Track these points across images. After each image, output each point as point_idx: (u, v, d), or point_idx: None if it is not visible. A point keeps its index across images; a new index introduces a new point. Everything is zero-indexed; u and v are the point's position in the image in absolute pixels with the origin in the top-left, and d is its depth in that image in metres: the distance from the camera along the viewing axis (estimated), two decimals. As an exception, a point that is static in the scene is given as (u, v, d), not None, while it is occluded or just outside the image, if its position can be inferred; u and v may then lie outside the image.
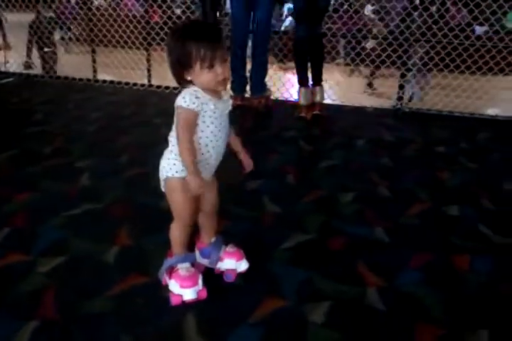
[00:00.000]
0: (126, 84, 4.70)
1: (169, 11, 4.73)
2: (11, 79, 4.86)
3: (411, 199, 2.50)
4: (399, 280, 1.82)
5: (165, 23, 4.60)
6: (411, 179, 2.76)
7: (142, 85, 4.66)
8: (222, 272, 1.76)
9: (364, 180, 2.72)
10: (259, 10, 3.77)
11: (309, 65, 3.80)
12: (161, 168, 1.60)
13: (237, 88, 4.00)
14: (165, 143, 1.60)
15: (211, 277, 1.73)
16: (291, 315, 1.62)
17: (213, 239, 1.78)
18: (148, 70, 4.65)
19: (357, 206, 2.42)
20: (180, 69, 1.48)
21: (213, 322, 1.58)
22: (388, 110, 4.21)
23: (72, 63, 5.16)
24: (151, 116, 3.68)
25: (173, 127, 1.53)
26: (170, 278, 1.64)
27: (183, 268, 1.64)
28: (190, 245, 1.75)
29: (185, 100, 1.46)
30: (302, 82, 3.82)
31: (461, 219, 2.33)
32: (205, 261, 1.78)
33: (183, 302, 1.61)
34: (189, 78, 1.49)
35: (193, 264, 1.69)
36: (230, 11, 4.04)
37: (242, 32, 3.83)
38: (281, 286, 1.76)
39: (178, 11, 5.72)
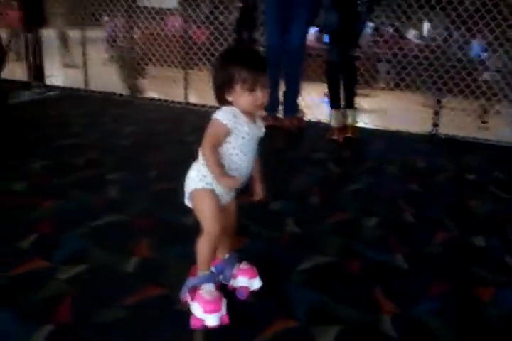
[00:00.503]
0: (165, 101, 4.82)
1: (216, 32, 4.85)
2: (55, 92, 5.06)
3: (436, 227, 2.45)
4: (414, 308, 1.78)
5: (211, 44, 4.73)
6: (438, 206, 2.71)
7: (180, 103, 4.77)
8: (235, 289, 1.76)
9: (390, 206, 2.69)
10: (294, 30, 3.83)
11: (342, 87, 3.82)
12: (188, 179, 1.63)
13: (270, 108, 4.03)
14: (194, 160, 1.65)
15: (224, 293, 1.68)
16: (300, 336, 1.61)
17: (227, 255, 1.78)
18: (186, 88, 4.76)
19: (379, 231, 2.39)
20: (223, 89, 1.55)
21: (223, 337, 1.58)
22: (423, 135, 4.16)
23: (113, 79, 5.33)
24: (185, 134, 3.76)
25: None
26: (192, 299, 1.60)
27: (207, 290, 1.59)
28: None
29: (220, 114, 1.54)
30: (334, 104, 3.83)
31: (487, 250, 2.27)
32: (218, 277, 1.77)
33: (205, 326, 1.57)
34: (230, 99, 1.55)
35: (217, 286, 1.65)
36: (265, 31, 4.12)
37: (276, 52, 3.88)
38: (293, 307, 1.75)
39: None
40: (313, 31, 8.09)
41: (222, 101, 1.57)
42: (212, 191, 1.59)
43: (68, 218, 2.33)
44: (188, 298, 1.62)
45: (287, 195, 2.72)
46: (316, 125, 4.31)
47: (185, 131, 3.83)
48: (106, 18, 5.46)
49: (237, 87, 1.53)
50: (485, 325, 1.72)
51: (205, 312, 1.55)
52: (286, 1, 3.82)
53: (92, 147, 3.39)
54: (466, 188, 3.03)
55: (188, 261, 1.73)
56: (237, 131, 1.54)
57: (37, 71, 5.20)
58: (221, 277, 1.76)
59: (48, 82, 5.26)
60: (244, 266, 1.77)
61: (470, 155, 3.67)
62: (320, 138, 3.91)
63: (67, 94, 5.05)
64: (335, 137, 3.83)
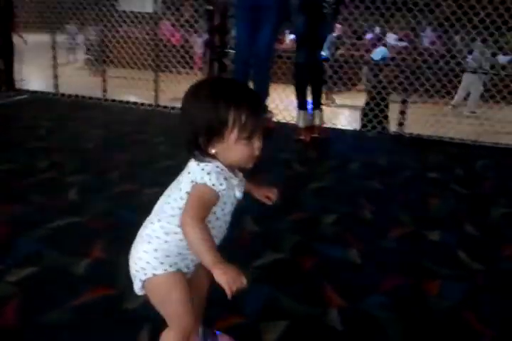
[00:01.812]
0: (134, 103, 4.81)
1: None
2: (24, 96, 5.03)
3: (393, 223, 2.49)
4: (362, 302, 1.81)
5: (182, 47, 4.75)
6: (397, 203, 2.75)
7: (150, 105, 4.77)
8: None
9: (350, 203, 2.72)
10: (263, 33, 3.86)
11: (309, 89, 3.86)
12: (139, 263, 1.23)
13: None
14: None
15: None
16: (248, 332, 1.62)
17: (201, 330, 1.44)
18: (155, 90, 4.77)
19: (337, 228, 2.42)
20: (206, 138, 1.14)
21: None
22: (389, 136, 4.22)
23: (84, 82, 5.32)
24: (151, 135, 3.76)
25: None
26: None
27: None
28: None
29: (212, 178, 1.14)
30: (301, 105, 3.87)
31: (441, 244, 2.31)
32: None
33: None
34: (213, 151, 1.16)
35: None
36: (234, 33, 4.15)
37: (245, 54, 3.91)
38: (244, 303, 1.76)
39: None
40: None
41: (201, 153, 1.16)
42: (178, 275, 1.22)
43: (26, 221, 2.32)
44: None
45: (248, 194, 2.73)
46: (285, 126, 4.34)
47: (152, 133, 3.84)
48: (68, 26, 5.46)
49: (231, 136, 1.13)
50: (431, 317, 1.75)
51: None
52: (256, 4, 3.84)
53: (57, 150, 3.38)
54: (427, 185, 3.08)
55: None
56: (225, 198, 1.19)
57: (7, 75, 5.16)
58: None
59: (18, 86, 5.22)
60: (224, 338, 1.50)
61: (433, 154, 3.73)
62: (287, 139, 3.94)
63: (37, 98, 5.02)
64: (302, 137, 3.86)
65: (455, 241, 2.33)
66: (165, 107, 4.72)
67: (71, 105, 4.84)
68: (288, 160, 3.42)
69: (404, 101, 4.18)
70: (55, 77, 5.10)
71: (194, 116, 1.15)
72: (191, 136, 1.15)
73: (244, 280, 1.06)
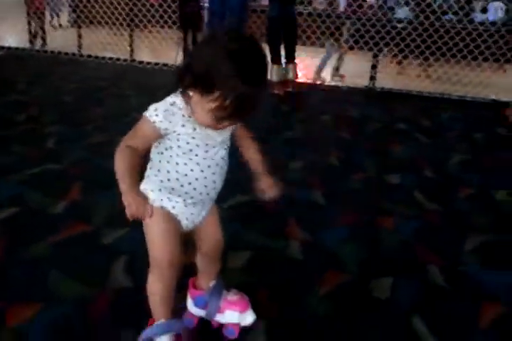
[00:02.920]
0: (110, 59, 4.83)
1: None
2: (0, 52, 5.00)
3: (356, 168, 2.64)
4: (322, 235, 1.97)
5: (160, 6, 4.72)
6: (362, 151, 2.90)
7: (125, 60, 4.79)
8: (222, 325, 1.42)
9: (317, 151, 2.86)
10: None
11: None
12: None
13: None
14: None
15: (207, 333, 1.43)
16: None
17: (212, 284, 1.42)
18: (131, 45, 4.78)
19: (303, 173, 2.57)
20: (192, 82, 1.06)
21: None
22: (361, 89, 4.33)
23: (61, 39, 5.29)
24: (125, 89, 3.83)
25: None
26: None
27: None
28: (181, 290, 1.41)
29: (150, 109, 1.13)
30: (275, 59, 3.94)
31: (400, 186, 2.47)
32: (199, 312, 1.43)
33: None
34: (191, 94, 1.08)
35: (179, 335, 1.29)
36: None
37: (218, 12, 3.93)
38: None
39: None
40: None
41: (183, 87, 1.10)
42: (162, 211, 1.22)
43: (6, 168, 2.43)
44: None
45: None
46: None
47: (126, 87, 3.90)
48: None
49: (207, 101, 1.04)
50: (383, 249, 1.92)
51: None
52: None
53: (34, 103, 3.44)
54: (393, 135, 3.23)
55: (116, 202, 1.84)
56: (175, 134, 1.15)
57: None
58: (204, 312, 1.41)
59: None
60: (232, 296, 1.41)
61: (402, 107, 3.87)
62: (262, 93, 4.03)
63: (13, 54, 5.00)
64: (276, 91, 3.96)
65: (413, 184, 2.49)
66: (140, 62, 4.74)
67: (48, 61, 4.84)
68: (260, 114, 3.53)
69: (375, 56, 4.27)
70: (30, 32, 5.06)
71: (198, 55, 1.06)
72: (183, 69, 1.08)
73: (147, 210, 1.11)
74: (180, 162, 1.18)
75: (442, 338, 1.44)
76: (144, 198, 1.15)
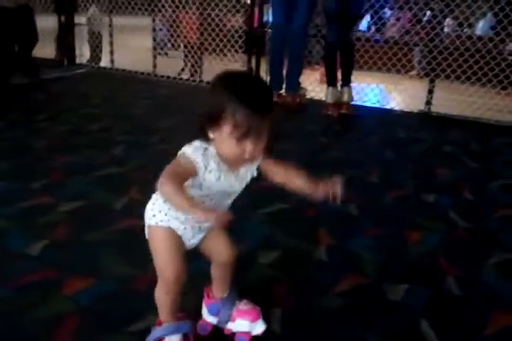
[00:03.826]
0: (181, 79, 5.23)
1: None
2: (83, 70, 5.55)
3: (395, 186, 2.76)
4: (349, 242, 2.12)
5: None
6: (404, 171, 3.01)
7: (194, 81, 5.17)
8: (234, 334, 1.49)
9: (360, 169, 3.01)
10: (298, 10, 4.13)
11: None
12: (146, 212, 1.36)
13: (274, 85, 4.39)
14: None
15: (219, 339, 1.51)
16: (247, 258, 1.97)
17: (226, 294, 1.51)
18: (200, 67, 5.16)
19: (343, 188, 2.72)
20: (206, 122, 1.18)
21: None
22: (416, 113, 4.43)
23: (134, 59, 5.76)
24: (192, 105, 4.14)
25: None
26: None
27: None
28: (196, 299, 1.56)
29: (190, 149, 1.21)
30: (330, 82, 4.14)
31: (435, 205, 2.57)
32: (213, 320, 1.52)
33: None
34: (211, 136, 1.19)
35: (187, 335, 1.40)
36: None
37: (281, 31, 4.20)
38: (247, 237, 2.11)
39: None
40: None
41: (202, 133, 1.21)
42: (168, 230, 1.31)
43: (78, 168, 2.77)
44: None
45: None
46: (318, 103, 4.63)
47: (193, 104, 4.22)
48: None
49: (224, 129, 1.15)
50: (405, 258, 2.04)
51: None
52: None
53: (108, 116, 3.84)
54: (439, 158, 3.31)
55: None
56: (201, 177, 1.21)
57: (68, 51, 5.69)
58: (216, 320, 1.51)
59: (78, 61, 5.75)
60: (244, 306, 1.49)
61: (454, 131, 3.93)
62: (317, 114, 4.24)
63: (95, 72, 5.53)
64: (330, 112, 4.14)
65: (449, 204, 2.57)
66: (208, 83, 5.10)
67: (124, 79, 5.31)
68: (312, 132, 3.73)
69: (431, 81, 4.37)
70: (111, 53, 5.58)
71: (204, 100, 1.20)
72: (199, 116, 1.19)
73: (228, 213, 1.13)
74: (202, 201, 1.25)
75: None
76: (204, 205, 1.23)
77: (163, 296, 1.34)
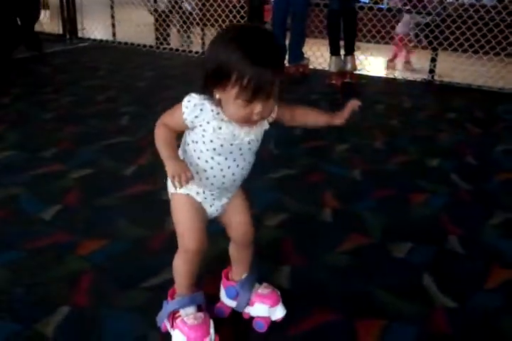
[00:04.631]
0: (183, 51, 5.21)
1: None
2: (86, 43, 5.53)
3: (399, 151, 2.80)
4: (353, 205, 2.17)
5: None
6: (408, 137, 3.04)
7: (196, 52, 5.15)
8: (252, 318, 1.43)
9: (365, 136, 3.04)
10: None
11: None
12: (168, 180, 1.29)
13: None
14: None
15: (237, 323, 1.44)
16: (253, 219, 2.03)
17: (244, 276, 1.44)
18: (202, 39, 5.13)
19: (347, 154, 2.77)
20: (211, 83, 1.12)
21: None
22: (419, 82, 4.42)
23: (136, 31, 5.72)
24: (193, 76, 4.15)
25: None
26: (173, 327, 1.31)
27: (190, 314, 1.30)
28: (214, 281, 1.52)
29: (188, 103, 1.16)
30: (333, 51, 4.13)
31: (438, 169, 2.61)
32: (230, 303, 1.45)
33: None
34: (217, 96, 1.13)
35: (200, 306, 1.35)
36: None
37: (284, 1, 4.17)
38: (255, 202, 2.15)
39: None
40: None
41: (207, 92, 1.15)
42: (188, 197, 1.26)
43: (86, 138, 2.81)
44: (168, 325, 1.35)
45: (274, 125, 3.09)
46: (322, 72, 4.62)
47: (194, 75, 4.22)
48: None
49: (231, 91, 1.08)
50: (409, 219, 2.09)
51: (190, 339, 1.27)
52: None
53: (113, 87, 3.86)
54: (442, 124, 3.33)
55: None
56: (201, 130, 1.18)
57: (71, 24, 5.66)
58: (234, 303, 1.44)
59: (80, 34, 5.72)
60: (264, 289, 1.43)
61: (457, 99, 3.93)
62: (320, 84, 4.24)
63: (97, 45, 5.51)
64: (333, 82, 4.15)
65: (452, 168, 2.61)
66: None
67: (127, 52, 5.30)
68: (316, 101, 3.74)
69: (434, 49, 4.34)
70: (113, 26, 5.55)
71: (209, 57, 1.12)
72: (204, 75, 1.12)
73: (189, 174, 1.12)
74: (202, 157, 1.21)
75: (448, 294, 1.60)
76: (184, 162, 1.18)
77: (181, 266, 1.30)
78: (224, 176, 1.23)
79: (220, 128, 1.16)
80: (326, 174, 2.49)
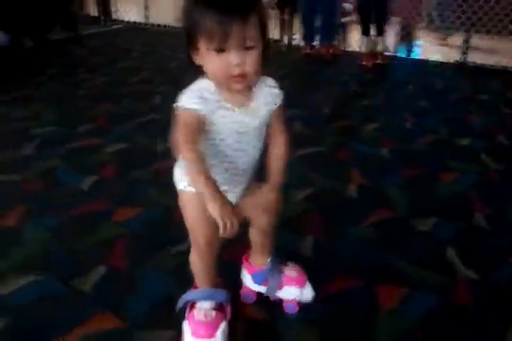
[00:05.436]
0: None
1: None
2: (120, 25, 5.63)
3: (429, 132, 2.79)
4: (380, 182, 2.20)
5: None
6: (439, 118, 3.03)
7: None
8: (282, 301, 1.42)
9: (394, 116, 3.04)
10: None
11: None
12: (174, 176, 1.27)
13: (307, 37, 4.39)
14: None
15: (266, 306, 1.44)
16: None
17: (269, 261, 1.40)
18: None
19: (375, 133, 2.78)
20: (188, 47, 1.05)
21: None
22: (451, 64, 4.36)
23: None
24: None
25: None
26: (185, 316, 1.30)
27: (202, 310, 1.28)
28: (234, 266, 1.48)
29: (185, 98, 1.09)
30: (364, 31, 4.11)
31: (468, 148, 2.60)
32: (259, 289, 1.42)
33: None
34: (197, 62, 1.07)
35: (222, 305, 1.33)
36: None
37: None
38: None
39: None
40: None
41: (191, 64, 1.09)
42: (197, 195, 1.14)
43: (119, 116, 2.91)
44: (186, 312, 1.32)
45: (303, 105, 3.13)
46: (353, 54, 4.60)
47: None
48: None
49: (203, 46, 1.01)
50: (436, 197, 2.10)
51: (193, 335, 1.25)
52: None
53: (146, 68, 3.94)
54: (474, 105, 3.30)
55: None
56: (209, 121, 1.10)
57: (105, 7, 5.77)
58: (263, 289, 1.41)
59: (114, 16, 5.82)
60: (291, 272, 1.41)
61: (490, 80, 3.87)
62: (351, 65, 4.23)
63: (131, 27, 5.61)
64: (364, 63, 4.13)
65: (483, 147, 2.60)
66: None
67: (159, 34, 5.38)
68: (346, 81, 3.75)
69: (467, 31, 4.27)
70: (146, 8, 5.62)
71: (182, 25, 1.05)
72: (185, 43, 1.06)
73: (235, 221, 0.98)
74: (217, 138, 1.14)
75: (471, 266, 1.63)
76: (229, 206, 0.99)
77: (197, 261, 1.29)
78: (247, 160, 1.18)
79: (226, 117, 1.10)
80: (354, 152, 2.52)
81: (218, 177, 1.12)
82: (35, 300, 1.42)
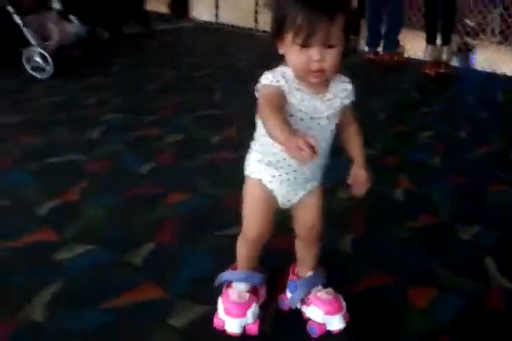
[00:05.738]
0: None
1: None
2: (190, 23, 5.86)
3: (484, 142, 2.75)
4: (427, 188, 2.22)
5: None
6: (495, 130, 2.97)
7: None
8: (306, 320, 1.37)
9: (449, 125, 3.02)
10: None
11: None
12: (245, 162, 1.32)
13: (371, 43, 4.40)
14: None
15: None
16: (327, 191, 2.14)
17: (309, 274, 1.41)
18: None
19: (430, 140, 2.78)
20: (274, 38, 1.12)
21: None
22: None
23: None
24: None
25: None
26: (220, 294, 1.37)
27: (236, 290, 1.34)
28: (277, 254, 1.55)
29: (265, 77, 1.15)
30: (430, 39, 4.07)
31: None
32: (288, 295, 1.43)
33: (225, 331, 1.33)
34: (281, 51, 1.13)
35: (256, 288, 1.39)
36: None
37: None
38: (328, 177, 2.27)
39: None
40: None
41: (277, 48, 1.14)
42: (260, 183, 1.23)
43: (181, 109, 3.08)
44: (223, 289, 1.39)
45: (360, 109, 3.14)
46: (416, 62, 4.56)
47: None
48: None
49: (288, 39, 1.08)
50: (483, 207, 2.10)
51: (226, 314, 1.30)
52: None
53: (211, 65, 4.11)
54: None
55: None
56: (291, 99, 1.14)
57: (177, 5, 6.01)
58: (289, 298, 1.40)
59: (186, 15, 6.05)
60: (324, 294, 1.36)
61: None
62: (414, 73, 4.21)
63: (201, 26, 5.81)
64: (427, 71, 4.09)
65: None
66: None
67: (229, 33, 5.55)
68: (407, 89, 3.74)
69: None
70: (217, 7, 5.82)
71: (272, 14, 1.14)
72: (271, 31, 1.14)
73: (311, 141, 0.94)
74: (298, 115, 1.16)
75: (507, 275, 1.63)
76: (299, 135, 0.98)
77: (242, 249, 1.35)
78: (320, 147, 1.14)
79: (302, 100, 1.14)
80: (405, 157, 2.54)
81: (285, 176, 1.22)
82: (89, 267, 1.58)
